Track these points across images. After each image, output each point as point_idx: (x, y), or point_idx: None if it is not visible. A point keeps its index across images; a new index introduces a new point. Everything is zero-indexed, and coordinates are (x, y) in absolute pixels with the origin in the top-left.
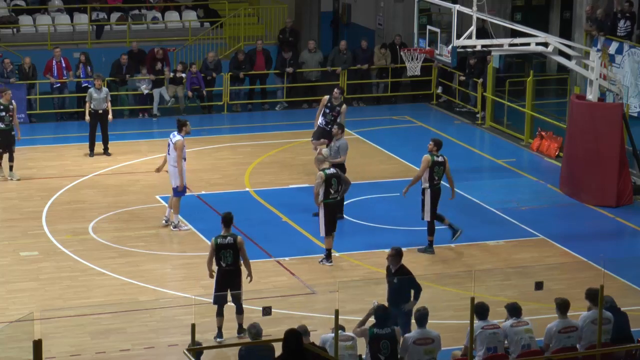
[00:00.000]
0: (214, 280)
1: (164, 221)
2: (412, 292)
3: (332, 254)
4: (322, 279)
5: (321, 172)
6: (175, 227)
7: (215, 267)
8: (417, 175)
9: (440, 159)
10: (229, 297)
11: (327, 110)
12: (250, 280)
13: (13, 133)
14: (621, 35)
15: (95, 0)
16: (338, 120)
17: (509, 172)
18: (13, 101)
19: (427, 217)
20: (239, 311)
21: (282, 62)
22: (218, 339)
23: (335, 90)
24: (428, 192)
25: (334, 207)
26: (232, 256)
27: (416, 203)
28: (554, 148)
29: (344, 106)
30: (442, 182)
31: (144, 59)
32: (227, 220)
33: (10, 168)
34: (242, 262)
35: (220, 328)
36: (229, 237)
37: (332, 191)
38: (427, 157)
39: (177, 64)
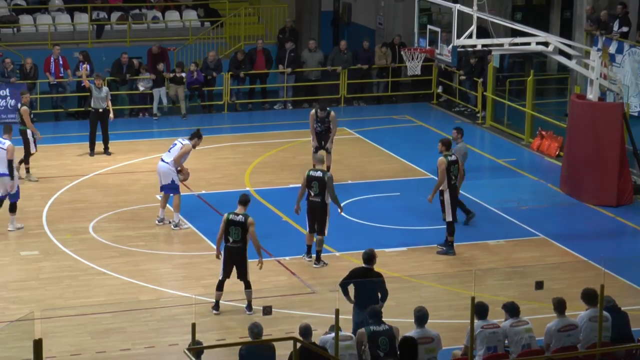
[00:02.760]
0: (220, 262)
1: (157, 221)
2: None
3: (333, 254)
4: (322, 279)
5: (305, 172)
6: (176, 226)
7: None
8: (439, 180)
9: (453, 157)
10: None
11: (319, 123)
12: (260, 267)
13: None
14: (615, 38)
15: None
16: (331, 127)
17: (509, 171)
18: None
19: (449, 218)
20: (247, 286)
21: (282, 55)
22: (214, 312)
23: (319, 111)
24: (447, 193)
25: (311, 208)
26: (240, 234)
27: (416, 203)
28: (554, 147)
29: (332, 113)
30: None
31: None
32: (243, 200)
33: (27, 170)
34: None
35: (217, 302)
36: (240, 216)
37: (312, 193)
38: (442, 159)
39: (176, 63)
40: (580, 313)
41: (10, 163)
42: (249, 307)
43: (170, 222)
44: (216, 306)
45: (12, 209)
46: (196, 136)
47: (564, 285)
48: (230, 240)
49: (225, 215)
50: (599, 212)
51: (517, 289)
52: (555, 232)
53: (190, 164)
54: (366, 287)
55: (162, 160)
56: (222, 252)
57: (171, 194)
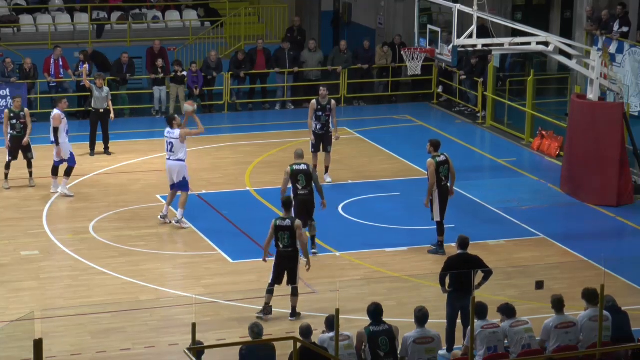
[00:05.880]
0: (273, 264)
1: (159, 216)
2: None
3: (333, 254)
4: (322, 279)
5: (288, 168)
6: (177, 221)
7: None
8: (430, 182)
9: (442, 158)
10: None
11: (320, 113)
12: (308, 269)
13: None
14: (615, 38)
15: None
16: (332, 118)
17: (509, 171)
18: (25, 108)
19: (437, 218)
20: (294, 293)
21: (280, 56)
22: (263, 315)
23: (321, 89)
24: (436, 193)
25: (302, 202)
26: (289, 238)
27: (416, 203)
28: (554, 147)
29: (333, 102)
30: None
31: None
32: (287, 203)
33: (30, 174)
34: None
35: (268, 304)
36: (287, 220)
37: (300, 187)
38: (430, 161)
39: (174, 61)
40: (581, 313)
41: (55, 131)
42: (293, 313)
43: (171, 222)
44: (268, 310)
45: (67, 173)
46: (172, 120)
47: (564, 285)
48: (281, 246)
49: (273, 221)
50: (599, 212)
51: (517, 289)
52: (556, 232)
53: (190, 163)
54: (464, 273)
55: (170, 159)
56: (273, 257)
57: (179, 192)
